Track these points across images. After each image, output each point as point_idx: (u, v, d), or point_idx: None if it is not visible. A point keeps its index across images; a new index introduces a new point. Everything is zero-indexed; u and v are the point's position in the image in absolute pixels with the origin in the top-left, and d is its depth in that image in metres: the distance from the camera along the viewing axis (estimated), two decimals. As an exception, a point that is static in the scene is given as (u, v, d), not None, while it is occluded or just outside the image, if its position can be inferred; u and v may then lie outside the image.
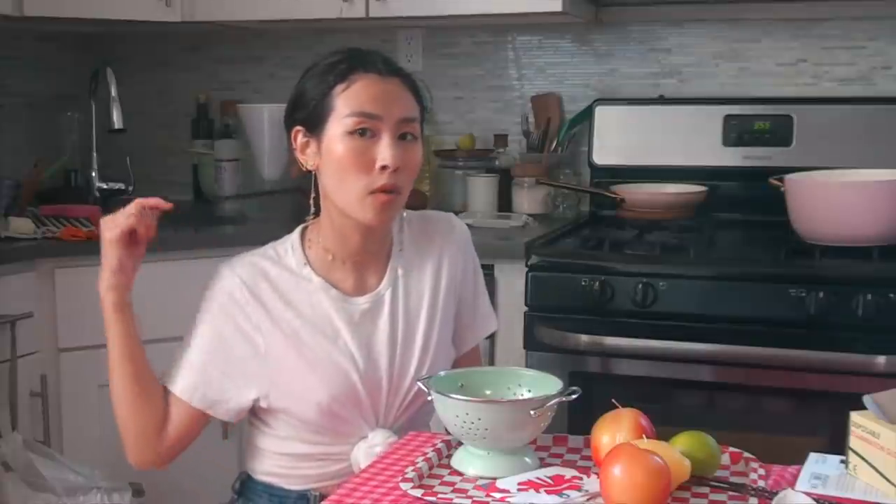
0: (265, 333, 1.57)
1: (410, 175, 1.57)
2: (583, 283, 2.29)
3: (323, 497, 1.57)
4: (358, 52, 1.59)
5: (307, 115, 1.56)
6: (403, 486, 1.31)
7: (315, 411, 1.57)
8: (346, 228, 1.59)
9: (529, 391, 1.45)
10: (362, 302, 1.61)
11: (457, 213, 2.85)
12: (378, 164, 1.51)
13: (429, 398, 1.40)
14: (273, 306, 1.58)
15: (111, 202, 3.03)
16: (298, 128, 1.59)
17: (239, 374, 1.58)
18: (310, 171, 1.60)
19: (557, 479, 1.33)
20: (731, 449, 1.42)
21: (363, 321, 1.60)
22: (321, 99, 1.54)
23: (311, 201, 1.63)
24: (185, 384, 1.60)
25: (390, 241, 1.66)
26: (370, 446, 1.56)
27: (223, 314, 1.59)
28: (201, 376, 1.59)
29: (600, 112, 2.89)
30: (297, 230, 1.66)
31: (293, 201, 2.95)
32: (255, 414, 1.64)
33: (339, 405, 1.57)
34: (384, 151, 1.51)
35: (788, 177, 2.41)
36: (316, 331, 1.58)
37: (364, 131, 1.52)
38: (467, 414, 1.35)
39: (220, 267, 1.63)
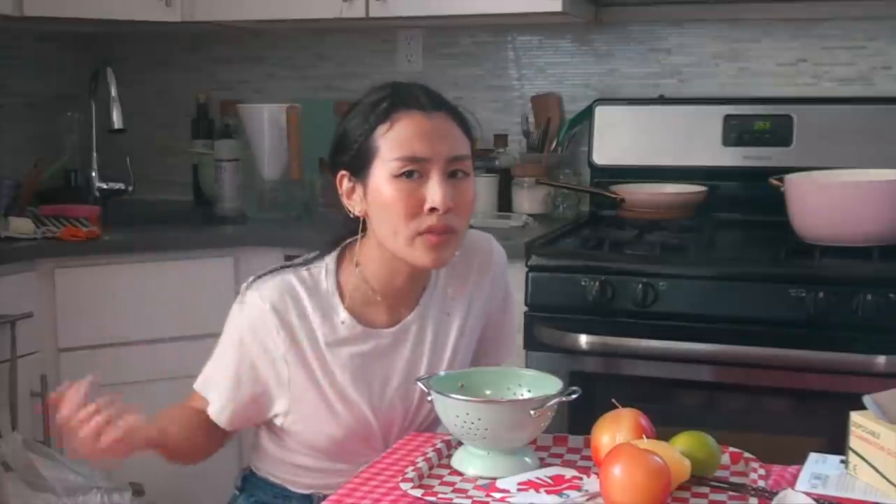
0: (290, 364, 1.53)
1: (464, 213, 1.50)
2: (583, 283, 2.29)
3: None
4: (400, 87, 1.51)
5: (351, 158, 1.50)
6: (403, 486, 1.31)
7: (327, 442, 1.56)
8: (397, 269, 1.53)
9: (529, 391, 1.45)
10: (387, 335, 1.56)
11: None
12: (427, 206, 1.45)
13: (429, 398, 1.40)
14: (301, 337, 1.52)
15: (111, 202, 3.04)
16: (343, 172, 1.52)
17: (264, 397, 1.56)
18: (358, 218, 1.53)
19: (557, 479, 1.33)
20: (731, 449, 1.42)
21: (384, 353, 1.56)
22: (363, 141, 1.47)
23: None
24: (217, 407, 1.58)
25: (428, 273, 1.60)
26: None
27: (253, 340, 1.53)
28: (231, 401, 1.57)
29: (600, 112, 2.89)
30: (335, 251, 1.58)
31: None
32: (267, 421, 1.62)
33: (351, 439, 1.56)
34: (433, 193, 1.44)
35: (788, 177, 2.41)
36: (336, 365, 1.54)
37: (411, 173, 1.45)
38: (467, 414, 1.35)
39: (249, 290, 1.55)
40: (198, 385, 1.61)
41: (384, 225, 1.48)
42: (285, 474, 1.63)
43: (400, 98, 1.48)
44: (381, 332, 1.57)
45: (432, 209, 1.45)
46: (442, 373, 1.48)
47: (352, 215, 1.53)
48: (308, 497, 1.62)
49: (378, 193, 1.47)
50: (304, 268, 1.56)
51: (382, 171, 1.46)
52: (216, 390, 1.58)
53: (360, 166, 1.49)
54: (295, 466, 1.62)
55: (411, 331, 1.58)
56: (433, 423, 1.60)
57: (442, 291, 1.61)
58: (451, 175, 1.47)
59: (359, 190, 1.51)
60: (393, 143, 1.46)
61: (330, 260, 1.57)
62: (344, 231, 1.59)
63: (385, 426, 1.58)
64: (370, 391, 1.55)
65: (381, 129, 1.46)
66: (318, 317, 1.53)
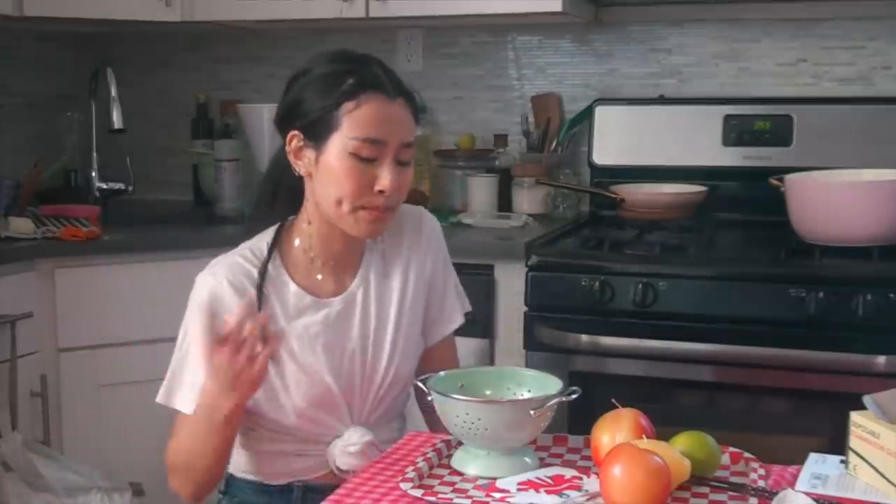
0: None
1: (402, 194, 1.58)
2: (583, 283, 2.29)
3: (307, 487, 1.59)
4: (362, 64, 1.56)
5: (307, 124, 1.55)
6: (403, 486, 1.31)
7: (293, 416, 1.58)
8: (332, 235, 1.60)
9: (529, 391, 1.45)
10: (336, 303, 1.62)
11: (457, 213, 2.87)
12: (376, 189, 1.53)
13: (429, 398, 1.40)
14: (257, 311, 1.55)
15: (111, 202, 3.04)
16: (295, 132, 1.57)
17: None
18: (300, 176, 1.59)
19: (557, 479, 1.33)
20: (731, 449, 1.42)
21: (337, 322, 1.61)
22: (326, 113, 1.52)
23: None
24: (191, 402, 1.57)
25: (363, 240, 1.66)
26: (345, 445, 1.58)
27: (214, 319, 1.55)
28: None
29: (600, 112, 2.89)
30: (272, 230, 1.64)
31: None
32: None
33: (315, 409, 1.58)
34: (384, 177, 1.52)
35: (788, 177, 2.41)
36: (293, 337, 1.58)
37: (367, 155, 1.52)
38: (467, 414, 1.35)
39: (200, 275, 1.59)
40: (161, 398, 1.60)
41: (329, 193, 1.54)
42: (260, 466, 1.64)
43: (365, 77, 1.53)
44: (329, 301, 1.61)
45: (380, 191, 1.52)
46: (442, 373, 1.48)
47: (297, 173, 1.59)
48: (288, 487, 1.62)
49: (330, 164, 1.53)
50: (247, 248, 1.62)
51: (339, 145, 1.52)
52: (188, 390, 1.57)
53: (316, 134, 1.54)
54: (267, 455, 1.63)
55: (357, 296, 1.63)
56: (389, 389, 1.62)
57: (379, 256, 1.67)
58: (398, 160, 1.54)
59: (309, 154, 1.56)
60: (356, 122, 1.51)
61: (268, 237, 1.63)
62: (264, 208, 1.67)
63: (347, 393, 1.60)
64: (328, 359, 1.59)
65: (348, 106, 1.51)
66: (270, 290, 1.58)
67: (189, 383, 1.57)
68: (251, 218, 1.71)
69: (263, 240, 1.63)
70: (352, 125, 1.51)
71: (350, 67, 1.55)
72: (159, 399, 1.60)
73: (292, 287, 1.60)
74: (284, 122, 1.60)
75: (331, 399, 1.59)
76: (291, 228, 1.64)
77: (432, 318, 1.73)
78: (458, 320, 1.77)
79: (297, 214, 1.64)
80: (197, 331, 1.57)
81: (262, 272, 1.59)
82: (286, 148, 1.59)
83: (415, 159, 1.63)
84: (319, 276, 1.62)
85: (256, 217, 1.69)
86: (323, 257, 1.62)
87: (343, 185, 1.52)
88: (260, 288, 1.58)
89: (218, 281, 1.57)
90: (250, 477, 1.66)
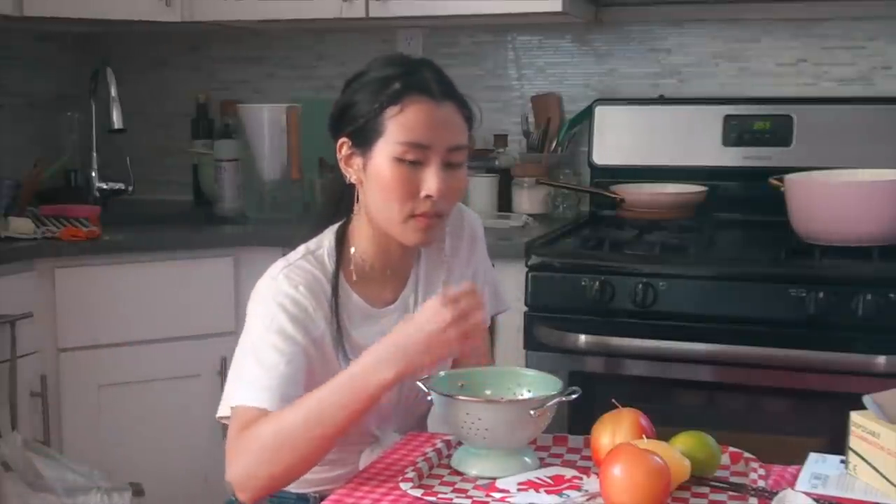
0: (323, 346, 1.52)
1: (454, 200, 1.55)
2: (583, 283, 2.29)
3: (322, 498, 1.56)
4: (411, 67, 1.53)
5: (355, 129, 1.52)
6: (403, 486, 1.31)
7: None
8: (389, 244, 1.57)
9: (529, 391, 1.45)
10: (392, 311, 1.59)
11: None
12: (423, 194, 1.49)
13: (428, 398, 1.40)
14: (331, 319, 1.52)
15: (111, 202, 3.04)
16: (344, 139, 1.54)
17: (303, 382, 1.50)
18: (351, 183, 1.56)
19: (557, 479, 1.33)
20: (731, 449, 1.42)
21: (388, 329, 1.53)
22: (371, 118, 1.50)
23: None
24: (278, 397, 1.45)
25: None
26: (383, 451, 1.53)
27: (296, 325, 1.48)
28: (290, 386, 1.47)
29: (600, 112, 2.89)
30: (332, 233, 1.60)
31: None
32: None
33: (364, 416, 1.51)
34: (430, 181, 1.49)
35: (788, 177, 2.41)
36: (351, 346, 1.53)
37: (412, 160, 1.49)
38: (467, 414, 1.35)
39: (269, 281, 1.52)
40: (239, 400, 1.45)
41: (379, 201, 1.52)
42: None
43: (412, 81, 1.50)
44: (386, 310, 1.59)
45: (427, 196, 1.49)
46: (442, 373, 1.48)
47: (347, 181, 1.56)
48: (304, 498, 1.61)
49: (378, 171, 1.50)
50: (309, 253, 1.57)
51: (385, 151, 1.49)
52: (276, 389, 1.44)
53: (364, 140, 1.51)
54: None
55: (409, 305, 1.62)
56: (420, 399, 1.56)
57: (425, 260, 1.65)
58: (447, 165, 1.51)
59: (358, 161, 1.53)
60: (400, 127, 1.48)
61: (328, 243, 1.59)
62: (328, 212, 1.63)
63: (394, 400, 1.57)
64: None
65: (392, 110, 1.49)
66: (335, 299, 1.54)
67: (275, 386, 1.44)
68: (319, 219, 1.65)
69: (322, 246, 1.58)
70: (396, 129, 1.48)
71: (399, 71, 1.52)
72: (236, 402, 1.46)
73: (353, 296, 1.57)
74: (335, 128, 1.56)
75: (377, 407, 1.52)
76: (347, 235, 1.60)
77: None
78: (499, 307, 1.78)
79: (351, 220, 1.60)
80: (275, 337, 1.47)
81: (335, 283, 1.54)
82: (336, 156, 1.56)
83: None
84: (376, 286, 1.59)
85: (324, 218, 1.63)
86: (380, 266, 1.59)
87: (390, 191, 1.49)
88: (336, 295, 1.53)
89: (294, 286, 1.51)
90: None
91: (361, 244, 1.59)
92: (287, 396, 1.43)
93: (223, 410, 1.51)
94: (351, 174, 1.55)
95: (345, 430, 1.41)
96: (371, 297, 1.59)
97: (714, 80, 2.92)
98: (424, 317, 1.39)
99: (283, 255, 1.60)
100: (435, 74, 1.53)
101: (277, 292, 1.51)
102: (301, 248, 1.58)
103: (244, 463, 1.40)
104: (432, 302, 1.40)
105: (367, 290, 1.59)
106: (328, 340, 1.53)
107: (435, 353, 1.39)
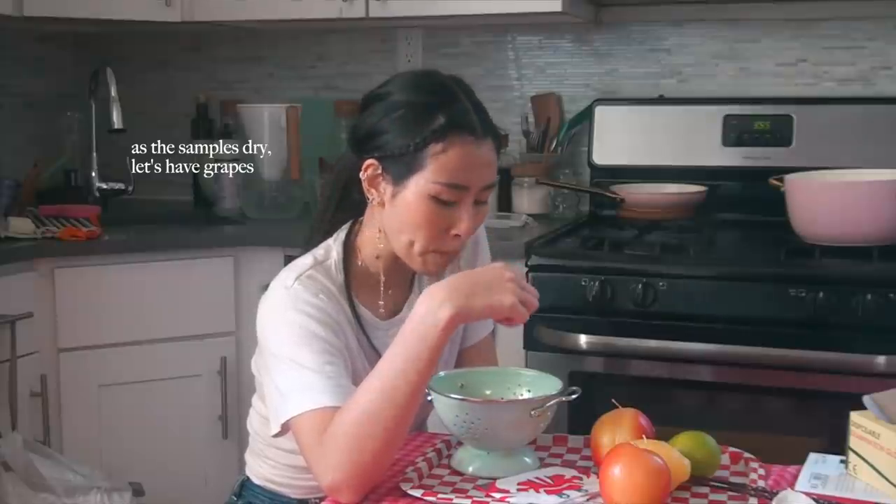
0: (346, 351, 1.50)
1: (473, 234, 1.52)
2: (583, 283, 2.29)
3: (320, 500, 1.57)
4: (448, 95, 1.46)
5: (387, 157, 1.46)
6: (403, 486, 1.31)
7: None
8: (400, 264, 1.54)
9: (529, 391, 1.45)
10: (396, 322, 1.55)
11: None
12: (453, 232, 1.46)
13: (428, 398, 1.40)
14: (344, 327, 1.50)
15: (111, 202, 3.04)
16: (373, 162, 1.47)
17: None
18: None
19: (557, 479, 1.33)
20: (731, 449, 1.42)
21: (390, 341, 1.52)
22: (410, 152, 1.43)
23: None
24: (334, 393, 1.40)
25: None
26: None
27: (324, 327, 1.44)
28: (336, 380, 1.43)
29: (600, 112, 2.89)
30: (339, 244, 1.55)
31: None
32: (263, 423, 1.59)
33: None
34: (463, 223, 1.45)
35: (788, 177, 2.41)
36: (359, 355, 1.52)
37: (448, 200, 1.45)
38: (467, 414, 1.35)
39: (283, 289, 1.47)
40: (299, 409, 1.38)
41: (402, 231, 1.48)
42: (283, 479, 1.62)
43: (455, 115, 1.44)
44: (391, 321, 1.56)
45: (456, 235, 1.47)
46: (442, 373, 1.48)
47: (370, 202, 1.51)
48: (304, 501, 1.61)
49: (408, 203, 1.45)
50: (318, 263, 1.53)
51: (421, 187, 1.44)
52: (325, 392, 1.39)
53: (397, 171, 1.45)
54: (294, 468, 1.60)
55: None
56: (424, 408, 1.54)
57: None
58: (476, 201, 1.48)
59: (387, 188, 1.47)
60: (442, 166, 1.43)
61: (336, 253, 1.55)
62: (325, 215, 1.60)
63: None
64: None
65: (435, 148, 1.43)
66: (338, 307, 1.50)
67: (331, 385, 1.40)
68: (316, 223, 1.62)
69: (329, 257, 1.53)
70: (437, 169, 1.43)
71: (438, 101, 1.45)
72: (291, 411, 1.39)
73: (360, 307, 1.54)
74: (361, 147, 1.50)
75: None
76: (354, 246, 1.56)
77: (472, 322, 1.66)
78: (491, 325, 1.73)
79: (358, 231, 1.56)
80: (310, 340, 1.43)
81: (349, 295, 1.52)
82: (360, 174, 1.50)
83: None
84: (378, 296, 1.56)
85: (321, 223, 1.60)
86: (387, 281, 1.56)
87: (419, 228, 1.45)
88: (353, 307, 1.52)
89: (314, 294, 1.47)
90: (270, 486, 1.64)
91: (368, 259, 1.56)
92: (346, 389, 1.39)
93: (274, 428, 1.44)
94: (374, 196, 1.50)
95: (419, 390, 1.35)
96: (375, 309, 1.57)
97: (714, 80, 2.92)
98: (484, 268, 1.42)
99: (283, 255, 1.60)
100: (472, 102, 1.48)
101: (297, 300, 1.46)
102: (308, 258, 1.54)
103: (335, 462, 1.32)
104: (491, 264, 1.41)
105: (372, 302, 1.56)
106: (353, 347, 1.50)
107: (492, 298, 1.35)
